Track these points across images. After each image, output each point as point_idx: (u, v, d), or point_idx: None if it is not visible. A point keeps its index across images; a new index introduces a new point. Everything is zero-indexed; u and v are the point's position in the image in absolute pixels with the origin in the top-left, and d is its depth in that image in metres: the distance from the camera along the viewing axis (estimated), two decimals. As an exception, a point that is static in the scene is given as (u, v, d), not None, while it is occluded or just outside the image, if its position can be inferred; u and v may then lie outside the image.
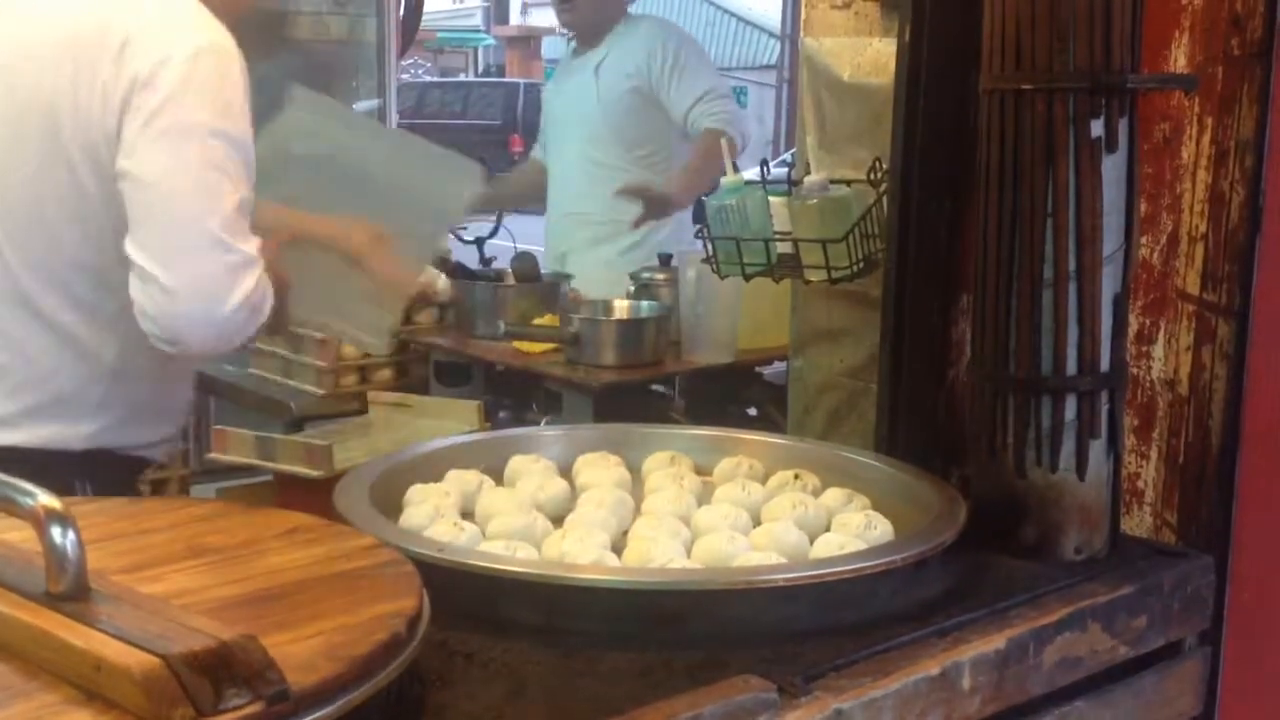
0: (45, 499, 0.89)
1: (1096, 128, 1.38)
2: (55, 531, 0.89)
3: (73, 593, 0.88)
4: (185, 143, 1.62)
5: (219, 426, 2.49)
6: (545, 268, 3.39)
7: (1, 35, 1.73)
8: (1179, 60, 1.58)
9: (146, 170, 1.63)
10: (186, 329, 1.63)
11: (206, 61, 1.65)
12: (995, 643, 1.24)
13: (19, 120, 1.70)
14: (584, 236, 3.63)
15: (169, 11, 1.71)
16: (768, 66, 20.88)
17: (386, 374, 3.08)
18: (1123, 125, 1.39)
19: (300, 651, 0.90)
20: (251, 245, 1.65)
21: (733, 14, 24.09)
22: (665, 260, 3.19)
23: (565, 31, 4.04)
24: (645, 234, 3.54)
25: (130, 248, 1.63)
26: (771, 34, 21.05)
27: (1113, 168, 1.40)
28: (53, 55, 1.68)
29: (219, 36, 1.68)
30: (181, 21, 1.69)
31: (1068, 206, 1.38)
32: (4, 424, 1.74)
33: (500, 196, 3.62)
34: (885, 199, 1.81)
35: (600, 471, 1.56)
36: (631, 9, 3.72)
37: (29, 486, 0.90)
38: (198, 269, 1.61)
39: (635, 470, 1.60)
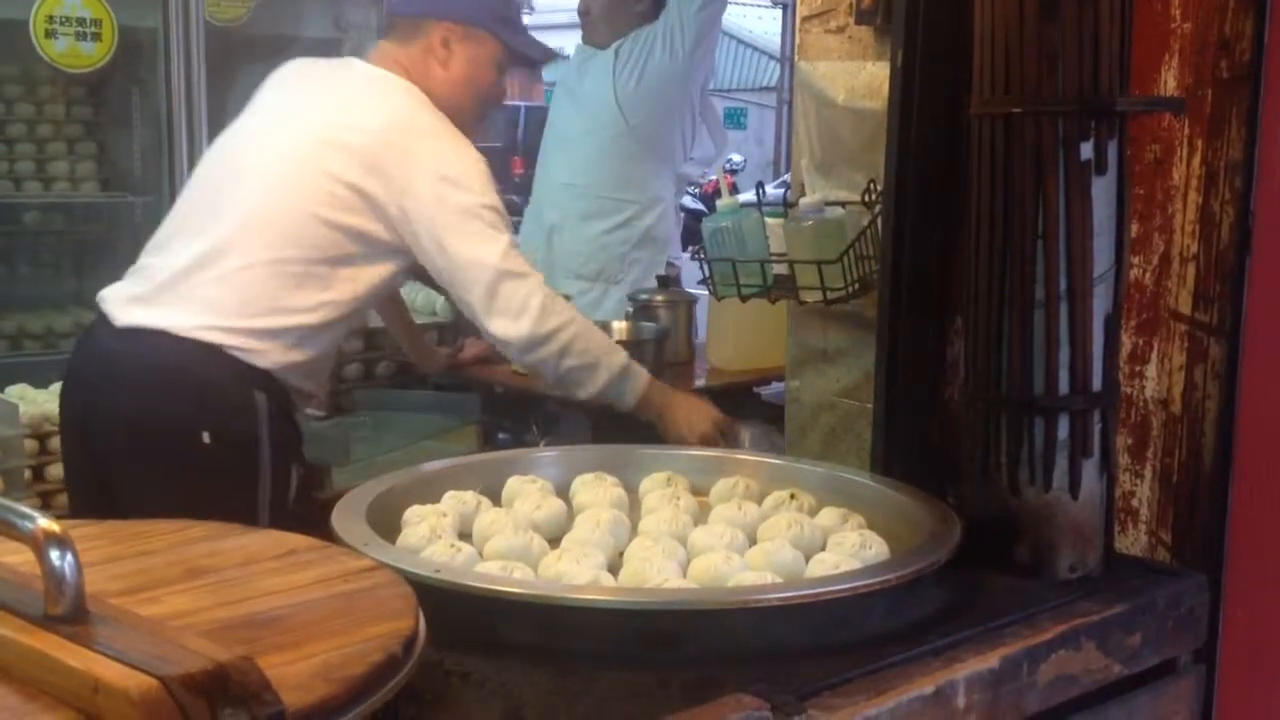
0: (44, 522, 0.90)
1: (1086, 150, 1.39)
2: (54, 554, 0.89)
3: (71, 615, 0.89)
4: None
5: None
6: (524, 243, 3.42)
7: None
8: (1169, 83, 1.60)
9: None
10: None
11: None
12: (989, 661, 1.24)
13: None
14: (577, 209, 3.66)
15: None
16: (768, 88, 20.93)
17: (386, 396, 3.09)
18: (1112, 147, 1.40)
19: (297, 672, 0.90)
20: None
21: (733, 36, 24.14)
22: (664, 282, 3.20)
23: (567, 56, 4.07)
24: (633, 214, 3.59)
25: None
26: (772, 56, 21.10)
27: (1103, 189, 1.41)
28: None
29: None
30: None
31: (1058, 228, 1.39)
32: (224, 331, 2.09)
33: None
34: (879, 221, 1.83)
35: (597, 492, 1.57)
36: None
37: (28, 510, 0.91)
38: None
39: (632, 491, 1.61)
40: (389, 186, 2.11)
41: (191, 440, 2.06)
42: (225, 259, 2.12)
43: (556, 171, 3.76)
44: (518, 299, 2.12)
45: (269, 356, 2.10)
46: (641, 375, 2.24)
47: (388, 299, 2.92)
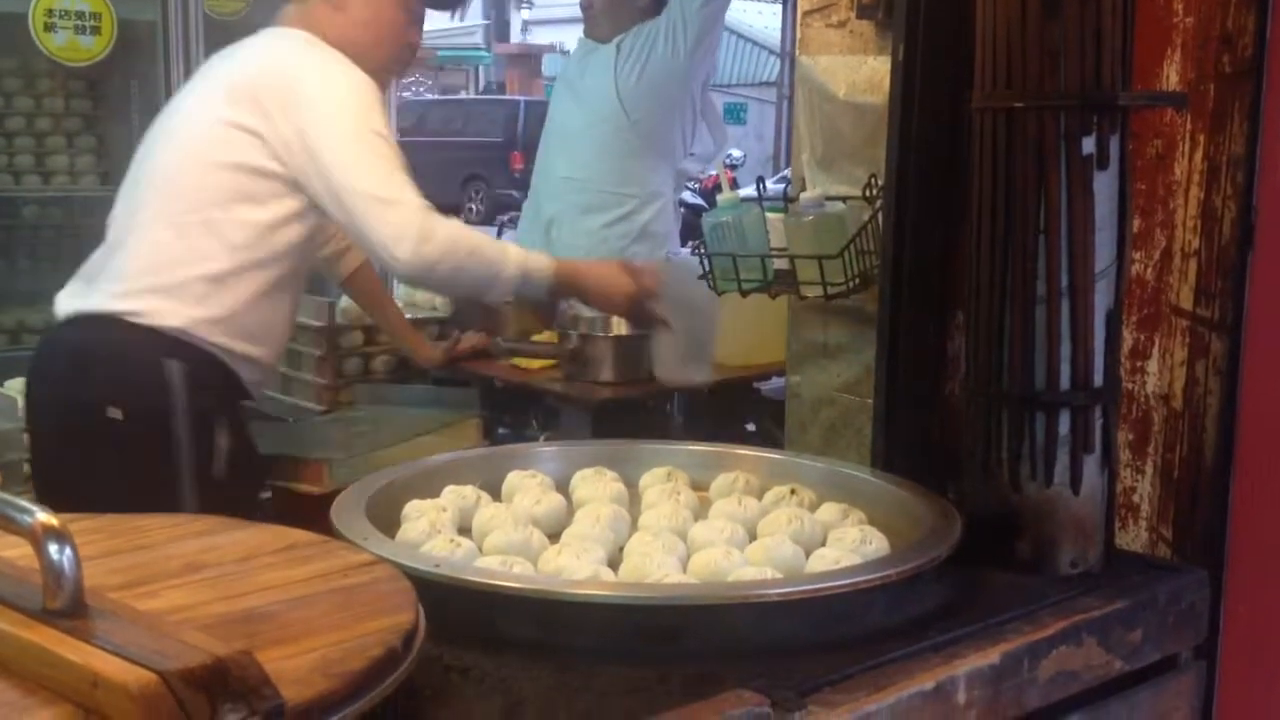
0: (42, 516, 0.90)
1: (1088, 145, 1.38)
2: (52, 548, 0.89)
3: (70, 609, 0.89)
4: None
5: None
6: (521, 234, 3.42)
7: None
8: (1171, 78, 1.59)
9: None
10: None
11: None
12: (990, 657, 1.24)
13: None
14: (576, 202, 3.66)
15: None
16: (768, 83, 20.93)
17: (386, 391, 3.09)
18: (1114, 142, 1.40)
19: (296, 667, 0.90)
20: None
21: (733, 31, 24.14)
22: (664, 276, 3.20)
23: (567, 50, 4.09)
24: (632, 209, 3.59)
25: None
26: (772, 51, 21.10)
27: (1104, 184, 1.41)
28: None
29: None
30: None
31: (1060, 223, 1.39)
32: (124, 295, 2.11)
33: None
34: (880, 216, 1.82)
35: (597, 487, 1.57)
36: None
37: (27, 504, 0.91)
38: None
39: (632, 485, 1.61)
40: (271, 117, 2.11)
41: (100, 417, 2.06)
42: (133, 233, 2.16)
43: (556, 165, 3.75)
44: (402, 224, 2.07)
45: (177, 315, 2.09)
46: (544, 267, 2.21)
47: (370, 294, 2.93)
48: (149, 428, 2.08)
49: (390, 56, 2.31)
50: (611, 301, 2.24)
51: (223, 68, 2.26)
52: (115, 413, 2.06)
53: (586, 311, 3.21)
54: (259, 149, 2.11)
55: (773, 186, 2.43)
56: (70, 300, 2.18)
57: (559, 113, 3.83)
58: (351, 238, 2.20)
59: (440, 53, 26.86)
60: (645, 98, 3.59)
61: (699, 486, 1.61)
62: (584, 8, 3.76)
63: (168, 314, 2.09)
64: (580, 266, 2.29)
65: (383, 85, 2.26)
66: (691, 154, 3.83)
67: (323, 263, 2.75)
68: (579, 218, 3.63)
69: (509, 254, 2.18)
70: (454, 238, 2.10)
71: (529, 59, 28.15)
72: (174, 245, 2.12)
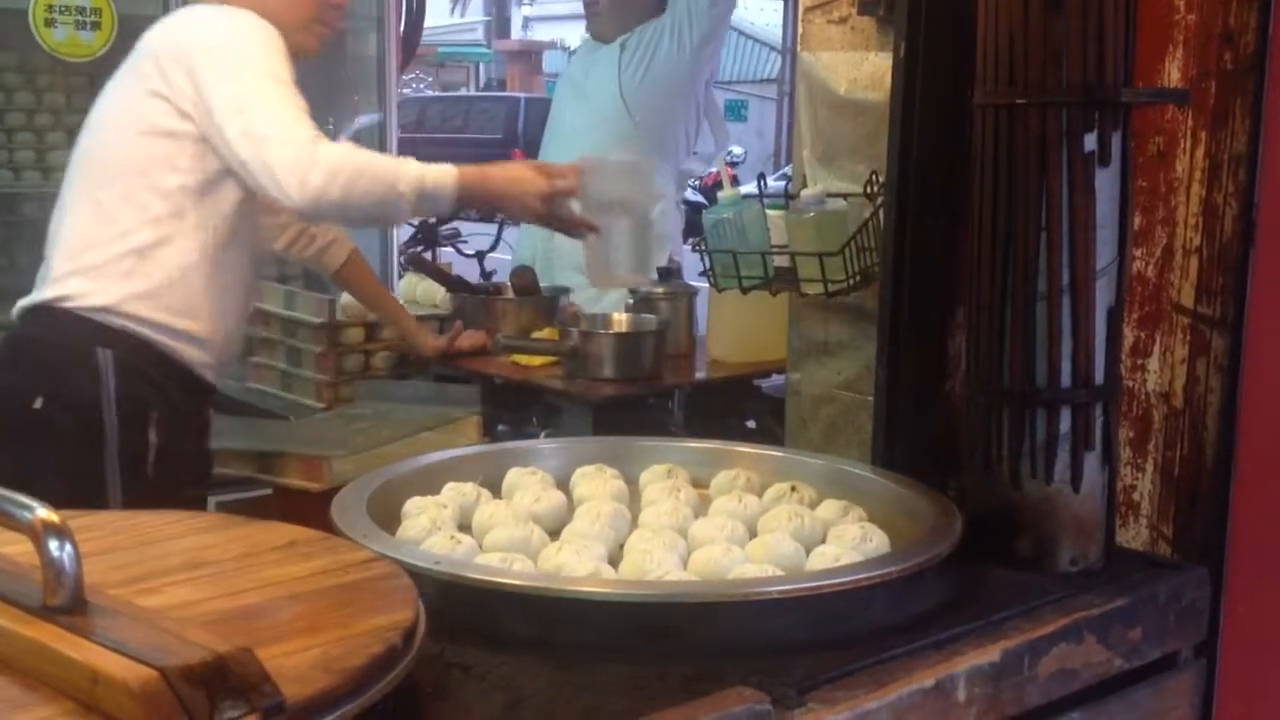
0: (43, 512, 0.90)
1: (1090, 142, 1.38)
2: (52, 544, 0.89)
3: (70, 605, 0.89)
4: None
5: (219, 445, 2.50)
6: (524, 235, 3.40)
7: None
8: (1172, 74, 1.59)
9: None
10: None
11: None
12: (990, 655, 1.24)
13: None
14: (576, 207, 3.64)
15: None
16: (769, 80, 20.92)
17: (386, 387, 3.09)
18: (1116, 139, 1.40)
19: (296, 664, 0.90)
20: None
21: (734, 28, 24.11)
22: (665, 274, 3.20)
23: (568, 47, 4.09)
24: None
25: None
26: (773, 48, 21.08)
27: (1106, 181, 1.41)
28: None
29: None
30: None
31: (1061, 220, 1.39)
32: (51, 281, 2.10)
33: None
34: (881, 213, 1.82)
35: (597, 484, 1.57)
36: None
37: (28, 500, 0.91)
38: None
39: (632, 483, 1.61)
40: (168, 74, 2.06)
41: (24, 407, 2.04)
42: (61, 220, 2.14)
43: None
44: (287, 157, 1.98)
45: (104, 293, 2.05)
46: (445, 174, 2.08)
47: (365, 286, 2.89)
48: (75, 418, 2.04)
49: (310, 16, 2.22)
50: (524, 205, 2.13)
51: (138, 43, 2.21)
52: (38, 402, 2.03)
53: (588, 310, 3.21)
54: (165, 110, 2.06)
55: (774, 183, 2.43)
56: (21, 300, 2.16)
57: (562, 112, 3.83)
58: (249, 183, 2.06)
59: (441, 49, 26.85)
60: (649, 97, 3.59)
61: (699, 484, 1.61)
62: (588, 5, 3.75)
63: (93, 294, 2.05)
64: (488, 171, 2.16)
65: (311, 45, 2.22)
66: (694, 153, 3.83)
67: (311, 259, 2.73)
68: None
69: (405, 166, 2.06)
70: (341, 159, 2.00)
71: (530, 55, 28.14)
72: (96, 223, 2.08)
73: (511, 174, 2.17)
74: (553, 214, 2.16)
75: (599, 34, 3.74)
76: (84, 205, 2.11)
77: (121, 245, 2.06)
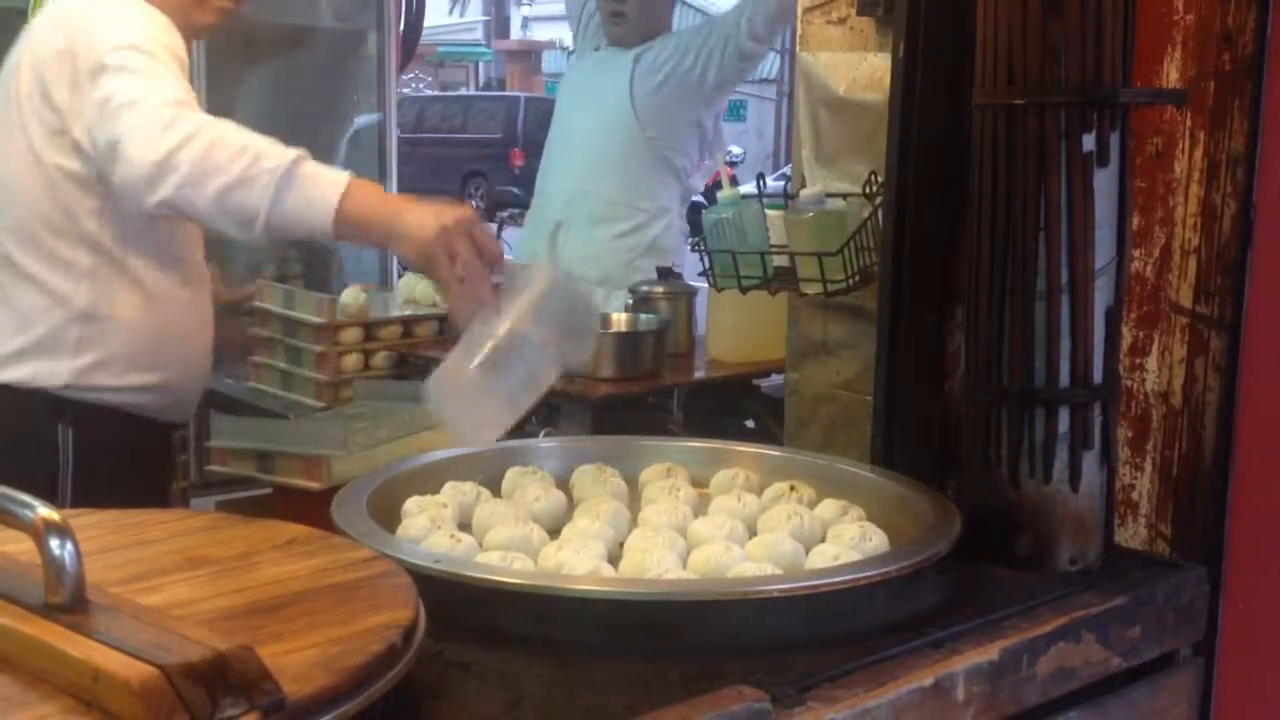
0: (44, 511, 0.90)
1: (1088, 142, 1.39)
2: (54, 543, 0.89)
3: (71, 604, 0.89)
4: None
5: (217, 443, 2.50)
6: (528, 242, 3.38)
7: None
8: (1171, 75, 1.59)
9: None
10: None
11: None
12: (989, 653, 1.24)
13: None
14: (586, 212, 3.61)
15: None
16: (768, 80, 20.91)
17: (386, 387, 3.09)
18: (1114, 139, 1.40)
19: (296, 662, 0.90)
20: None
21: (733, 28, 24.10)
22: (664, 273, 3.20)
23: (567, 47, 4.07)
24: (642, 222, 3.57)
25: None
26: (771, 48, 21.09)
27: (1104, 181, 1.41)
28: None
29: None
30: None
31: (1060, 220, 1.39)
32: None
33: None
34: (880, 212, 1.82)
35: (597, 483, 1.57)
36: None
37: (28, 499, 0.91)
38: None
39: (632, 482, 1.61)
40: (44, 73, 1.84)
41: None
42: None
43: (565, 173, 3.71)
44: (141, 118, 1.71)
45: (61, 372, 1.87)
46: (330, 173, 1.66)
47: None
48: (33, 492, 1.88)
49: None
50: (421, 227, 1.56)
51: (12, 54, 1.95)
52: None
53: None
54: (61, 146, 1.84)
55: (773, 183, 2.43)
56: None
57: (568, 116, 3.78)
58: (103, 172, 1.78)
59: (440, 49, 26.86)
60: (661, 112, 3.55)
61: (699, 483, 1.62)
62: (612, 14, 3.67)
63: (48, 374, 1.88)
64: (395, 198, 1.73)
65: (208, 20, 1.99)
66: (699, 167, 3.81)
67: None
68: (588, 227, 3.57)
69: (279, 146, 1.67)
70: (204, 123, 1.68)
71: (529, 55, 28.14)
72: (24, 292, 1.88)
73: (420, 201, 1.66)
74: (452, 252, 1.54)
75: (621, 40, 3.68)
76: (5, 274, 1.90)
77: (62, 313, 1.88)
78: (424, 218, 1.56)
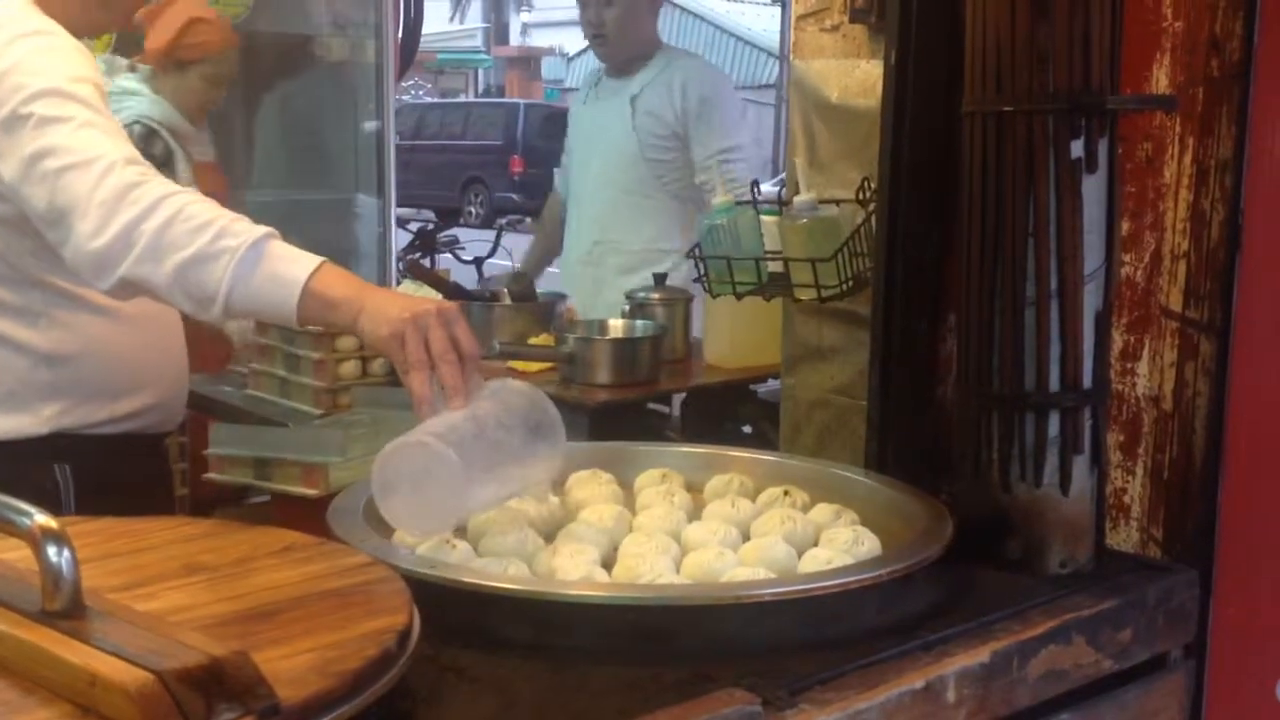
0: (41, 519, 0.91)
1: (1076, 148, 1.40)
2: (51, 550, 0.90)
3: (68, 610, 0.90)
4: None
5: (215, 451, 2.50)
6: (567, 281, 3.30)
7: None
8: (1160, 81, 1.60)
9: None
10: None
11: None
12: (980, 656, 1.25)
13: None
14: (615, 264, 3.58)
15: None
16: (766, 86, 20.95)
17: (384, 394, 3.09)
18: (1103, 145, 1.41)
19: (292, 667, 0.91)
20: None
21: (732, 34, 24.17)
22: (660, 279, 3.21)
23: (566, 53, 4.05)
24: (675, 263, 3.42)
25: None
26: (771, 53, 21.11)
27: (1093, 187, 1.42)
28: None
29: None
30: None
31: (1049, 225, 1.40)
32: None
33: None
34: (873, 218, 1.83)
35: (592, 489, 1.58)
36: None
37: (26, 506, 0.92)
38: None
39: (627, 487, 1.62)
40: None
41: None
42: None
43: (584, 227, 3.67)
44: (96, 182, 1.55)
45: (43, 422, 1.80)
46: (299, 253, 1.52)
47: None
48: None
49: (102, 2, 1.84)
50: (385, 312, 1.45)
51: None
52: None
53: (584, 315, 3.21)
54: None
55: (769, 189, 2.44)
56: None
57: (582, 166, 3.71)
58: (48, 239, 1.64)
59: (439, 55, 26.88)
60: (667, 153, 3.51)
61: (693, 488, 1.63)
62: (593, 37, 3.61)
63: (31, 425, 1.80)
64: (370, 284, 1.54)
65: (118, 21, 1.92)
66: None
67: None
68: (623, 278, 3.49)
69: (244, 222, 1.54)
70: (162, 195, 1.53)
71: (529, 62, 28.18)
72: None
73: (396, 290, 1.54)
74: (426, 336, 1.41)
75: (606, 59, 3.67)
76: None
77: (25, 362, 1.78)
78: (401, 300, 1.47)
